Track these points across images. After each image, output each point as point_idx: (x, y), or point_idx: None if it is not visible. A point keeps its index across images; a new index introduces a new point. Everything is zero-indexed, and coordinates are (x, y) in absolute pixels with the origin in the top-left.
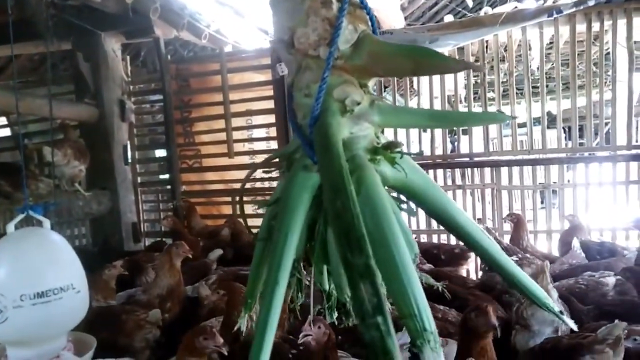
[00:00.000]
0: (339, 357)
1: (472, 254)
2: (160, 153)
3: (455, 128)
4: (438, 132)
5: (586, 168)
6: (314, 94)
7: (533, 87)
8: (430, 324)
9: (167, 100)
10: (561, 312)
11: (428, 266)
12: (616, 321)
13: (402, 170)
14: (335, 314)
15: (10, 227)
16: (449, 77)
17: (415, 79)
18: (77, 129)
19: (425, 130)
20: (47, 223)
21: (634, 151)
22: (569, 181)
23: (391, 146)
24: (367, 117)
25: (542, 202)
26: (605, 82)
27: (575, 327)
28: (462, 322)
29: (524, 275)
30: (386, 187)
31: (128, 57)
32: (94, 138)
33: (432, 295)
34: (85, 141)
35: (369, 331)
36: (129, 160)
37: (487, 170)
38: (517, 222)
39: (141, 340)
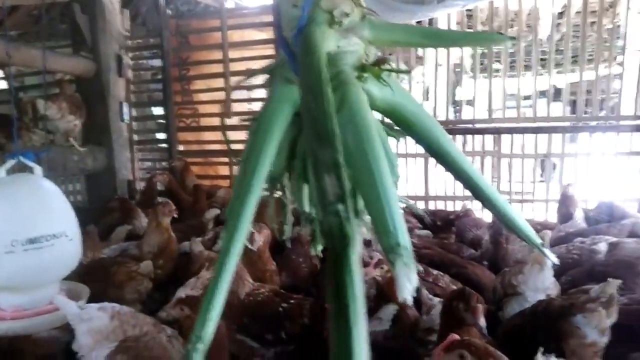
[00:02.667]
0: None
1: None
2: (158, 111)
3: (448, 47)
4: (441, 98)
5: (590, 138)
6: (301, 4)
7: (541, 59)
8: (405, 240)
9: (165, 57)
10: (542, 245)
11: (425, 232)
12: (609, 279)
13: (390, 88)
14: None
15: (1, 173)
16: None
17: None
18: (73, 83)
19: (427, 98)
20: (38, 169)
21: (639, 121)
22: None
23: (380, 62)
24: (357, 31)
25: (541, 175)
26: (615, 56)
27: (556, 261)
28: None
29: (509, 209)
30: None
31: (127, 12)
32: (90, 93)
33: (432, 262)
34: (81, 96)
35: (329, 218)
36: (125, 118)
37: (489, 139)
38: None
39: (133, 292)
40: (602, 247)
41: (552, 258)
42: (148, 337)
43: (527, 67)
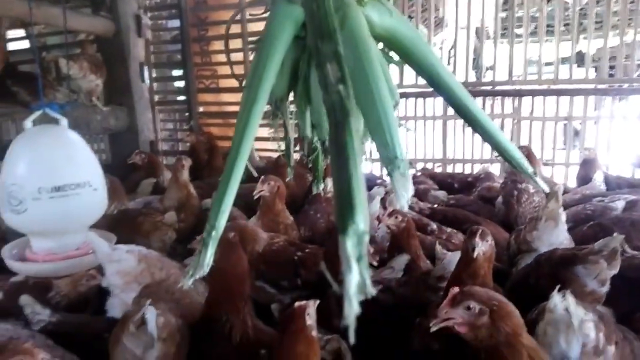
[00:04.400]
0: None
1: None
2: (177, 72)
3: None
4: (461, 60)
5: (612, 102)
6: None
7: (565, 23)
8: (402, 152)
9: (183, 17)
10: (534, 174)
11: (441, 192)
12: (615, 234)
13: (388, 11)
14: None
15: (28, 124)
16: (476, 8)
17: (441, 8)
18: (94, 43)
19: (448, 62)
20: (64, 121)
21: None
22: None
23: None
24: None
25: (564, 143)
26: None
27: (547, 189)
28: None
29: (502, 136)
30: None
31: None
32: (110, 53)
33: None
34: (102, 56)
35: (331, 97)
36: (146, 79)
37: (508, 102)
38: (528, 155)
39: (158, 241)
40: (619, 204)
41: (544, 187)
42: (170, 281)
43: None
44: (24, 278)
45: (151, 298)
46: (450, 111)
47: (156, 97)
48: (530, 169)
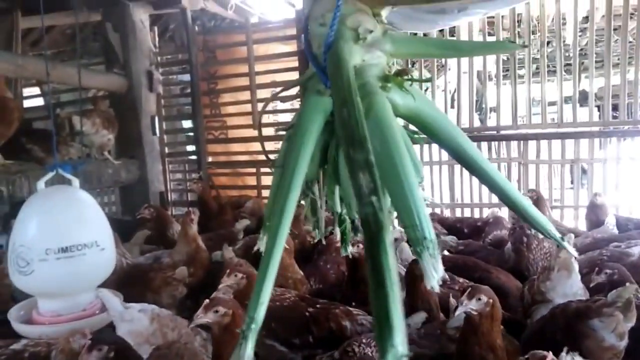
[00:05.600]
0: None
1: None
2: (187, 124)
3: (465, 57)
4: (465, 105)
5: (618, 143)
6: (328, 23)
7: (566, 64)
8: (430, 233)
9: (193, 72)
10: (562, 239)
11: (450, 237)
12: (627, 284)
13: (412, 96)
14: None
15: (41, 185)
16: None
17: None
18: (106, 99)
19: (452, 106)
20: (75, 181)
21: None
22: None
23: (401, 73)
24: (380, 45)
25: (571, 182)
26: None
27: (576, 254)
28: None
29: (529, 206)
30: (398, 118)
31: (156, 29)
32: (123, 108)
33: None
34: (115, 111)
35: (365, 208)
36: (157, 131)
37: (514, 145)
38: (537, 199)
39: (168, 297)
40: (636, 250)
41: (572, 251)
42: (180, 343)
43: (552, 72)
44: (22, 347)
45: None
46: None
47: (166, 149)
48: (558, 235)
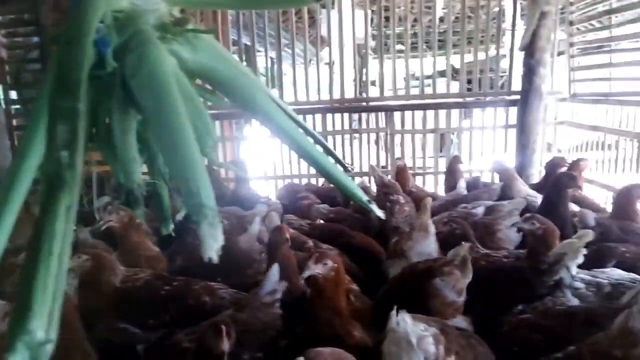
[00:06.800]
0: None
1: None
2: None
3: (259, 9)
4: (348, 78)
5: (471, 114)
6: None
7: (440, 40)
8: (210, 200)
9: (43, 34)
10: (369, 202)
11: (325, 206)
12: (462, 243)
13: (194, 48)
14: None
15: None
16: (359, 27)
17: (325, 26)
18: None
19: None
20: None
21: (513, 97)
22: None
23: (181, 22)
24: None
25: (441, 150)
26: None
27: (382, 215)
28: None
29: (340, 173)
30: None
31: None
32: None
33: (322, 235)
34: None
35: (50, 163)
36: (1, 102)
37: (382, 116)
38: (403, 167)
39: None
40: (480, 210)
41: (378, 212)
42: None
43: (428, 48)
44: None
45: None
46: (338, 126)
47: (14, 122)
48: (365, 198)
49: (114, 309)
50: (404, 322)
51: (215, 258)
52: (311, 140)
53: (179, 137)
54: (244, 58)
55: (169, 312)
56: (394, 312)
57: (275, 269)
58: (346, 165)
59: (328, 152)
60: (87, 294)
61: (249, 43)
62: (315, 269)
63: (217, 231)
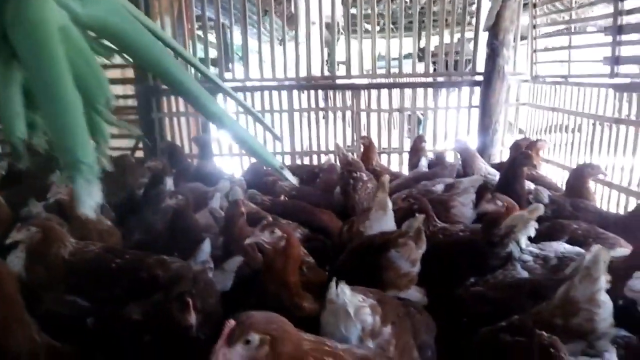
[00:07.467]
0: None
1: None
2: None
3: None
4: (316, 57)
5: (437, 93)
6: None
7: (408, 22)
8: (87, 156)
9: None
10: (282, 168)
11: (289, 183)
12: (417, 215)
13: (92, 2)
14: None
15: None
16: (326, 5)
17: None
18: None
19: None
20: None
21: (477, 77)
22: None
23: None
24: None
25: (409, 130)
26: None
27: (295, 181)
28: None
29: (251, 138)
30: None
31: None
32: None
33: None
34: None
35: None
36: None
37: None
38: (368, 145)
39: None
40: (439, 187)
41: (291, 178)
42: None
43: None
44: None
45: None
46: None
47: None
48: (278, 164)
49: (63, 282)
50: (343, 293)
51: (92, 214)
52: (229, 108)
53: (56, 91)
54: (207, 32)
55: (120, 285)
56: (332, 283)
57: (207, 242)
58: (277, 135)
59: (259, 120)
60: (36, 265)
61: (213, 17)
62: (261, 236)
63: (94, 188)
